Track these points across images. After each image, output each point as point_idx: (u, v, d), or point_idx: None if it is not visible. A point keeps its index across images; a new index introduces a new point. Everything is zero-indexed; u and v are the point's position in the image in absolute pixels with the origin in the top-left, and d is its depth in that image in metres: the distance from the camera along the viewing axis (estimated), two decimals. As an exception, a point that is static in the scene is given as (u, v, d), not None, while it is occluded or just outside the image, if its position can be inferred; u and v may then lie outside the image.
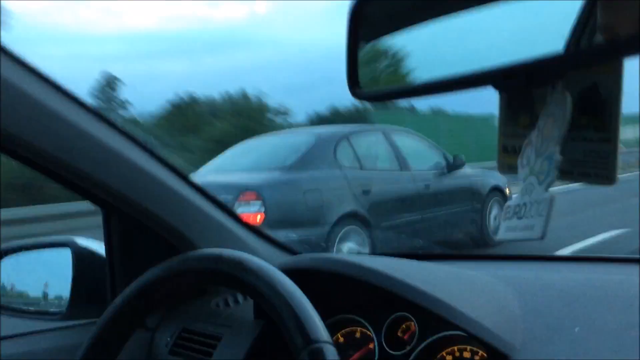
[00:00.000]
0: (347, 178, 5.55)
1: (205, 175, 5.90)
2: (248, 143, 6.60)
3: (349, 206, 5.36)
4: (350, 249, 5.29)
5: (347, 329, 1.26)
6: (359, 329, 1.24)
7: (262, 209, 4.89)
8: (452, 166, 6.63)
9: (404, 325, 1.18)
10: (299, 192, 5.17)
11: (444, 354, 1.11)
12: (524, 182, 0.79)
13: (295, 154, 5.59)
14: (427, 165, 6.58)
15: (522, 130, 0.80)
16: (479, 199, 6.86)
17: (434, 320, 1.07)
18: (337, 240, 5.19)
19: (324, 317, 0.94)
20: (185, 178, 1.38)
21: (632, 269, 1.34)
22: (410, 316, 1.17)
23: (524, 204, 0.78)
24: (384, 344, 1.17)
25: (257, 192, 4.94)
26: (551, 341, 0.98)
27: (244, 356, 1.18)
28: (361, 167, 5.85)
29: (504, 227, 0.82)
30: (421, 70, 0.79)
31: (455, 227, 6.60)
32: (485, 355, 1.02)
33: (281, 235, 4.82)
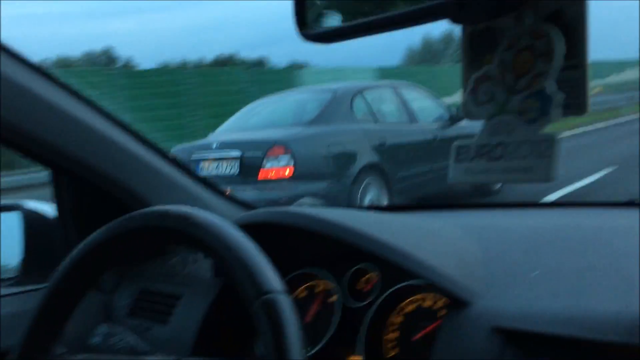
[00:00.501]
0: (364, 131, 5.78)
1: (226, 134, 6.05)
2: (260, 102, 6.75)
3: (367, 158, 5.60)
4: (371, 200, 5.55)
5: (309, 284, 1.25)
6: (321, 282, 1.24)
7: (292, 163, 5.10)
8: (455, 118, 6.90)
9: (366, 277, 1.19)
10: (323, 146, 5.39)
11: (406, 304, 1.11)
12: (489, 121, 0.75)
13: (314, 109, 5.78)
14: (432, 117, 6.83)
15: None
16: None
17: (395, 270, 1.06)
18: (360, 192, 5.44)
19: (285, 272, 0.97)
20: (135, 134, 1.31)
21: (590, 212, 1.40)
22: (371, 267, 1.17)
23: (499, 143, 0.74)
24: (345, 296, 1.17)
25: (285, 146, 5.14)
26: (510, 286, 0.98)
27: (203, 315, 1.17)
28: (375, 121, 6.08)
29: (461, 169, 0.78)
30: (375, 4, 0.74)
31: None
32: (446, 302, 1.01)
33: (308, 188, 5.05)
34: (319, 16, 0.77)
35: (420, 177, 6.21)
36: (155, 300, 1.29)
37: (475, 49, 0.75)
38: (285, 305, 0.75)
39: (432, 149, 6.44)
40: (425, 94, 7.16)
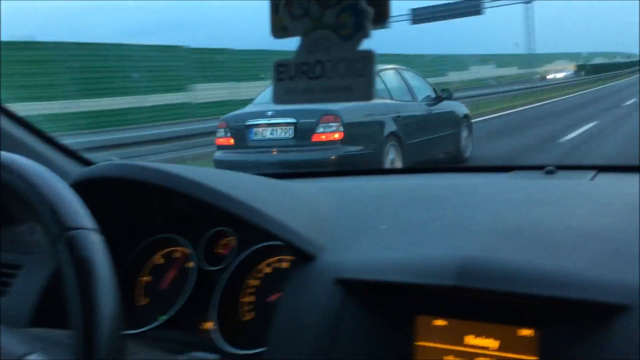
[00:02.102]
0: (386, 105, 6.98)
1: (269, 104, 6.99)
2: None
3: (391, 127, 6.81)
4: (392, 159, 6.77)
5: (166, 250, 1.22)
6: (179, 248, 1.21)
7: (341, 128, 6.21)
8: (440, 98, 8.24)
9: (224, 241, 1.17)
10: (361, 116, 6.54)
11: (263, 266, 1.11)
12: (307, 37, 0.73)
13: (347, 86, 6.90)
14: (422, 96, 8.14)
15: None
16: (456, 124, 8.58)
17: (252, 232, 1.04)
18: (385, 153, 6.64)
19: (141, 238, 0.99)
20: None
21: (444, 175, 1.53)
22: (229, 230, 1.16)
23: (318, 61, 0.72)
24: (201, 260, 1.16)
25: (336, 115, 6.23)
26: (356, 240, 1.00)
27: (44, 283, 1.11)
28: (391, 98, 7.29)
29: (283, 89, 0.75)
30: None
31: (445, 146, 8.30)
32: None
33: (352, 149, 6.18)
34: None
35: (421, 144, 7.50)
36: None
37: None
38: (95, 242, 0.66)
39: (428, 122, 7.75)
40: (416, 75, 8.46)
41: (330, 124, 6.22)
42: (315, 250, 0.97)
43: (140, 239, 1.22)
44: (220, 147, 6.82)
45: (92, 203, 0.74)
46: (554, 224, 0.96)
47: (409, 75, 8.13)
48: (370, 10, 0.67)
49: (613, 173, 1.32)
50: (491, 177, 1.44)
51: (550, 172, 1.30)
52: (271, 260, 1.11)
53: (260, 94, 7.53)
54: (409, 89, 7.80)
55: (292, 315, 0.92)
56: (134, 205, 1.17)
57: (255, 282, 1.11)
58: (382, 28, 0.69)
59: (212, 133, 7.88)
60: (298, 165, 6.15)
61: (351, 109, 6.49)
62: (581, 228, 0.94)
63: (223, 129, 6.76)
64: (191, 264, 1.18)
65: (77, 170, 1.24)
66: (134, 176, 1.04)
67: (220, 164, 6.78)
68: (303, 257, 0.97)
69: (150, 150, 9.66)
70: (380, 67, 7.64)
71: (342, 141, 6.21)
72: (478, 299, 0.85)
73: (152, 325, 1.13)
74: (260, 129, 6.49)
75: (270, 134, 6.44)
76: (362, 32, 0.68)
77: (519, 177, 1.34)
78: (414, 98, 7.77)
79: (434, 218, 1.03)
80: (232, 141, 6.68)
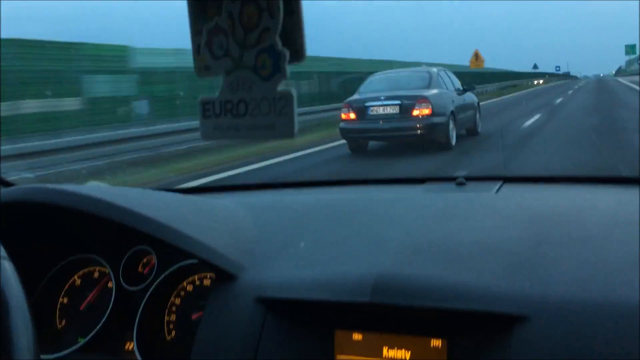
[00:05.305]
0: (447, 93, 10.76)
1: (371, 92, 10.55)
2: (378, 76, 11.42)
3: (451, 107, 10.55)
4: (452, 128, 10.48)
5: (85, 270, 1.23)
6: (97, 268, 1.22)
7: (430, 107, 9.92)
8: (465, 90, 12.04)
9: (144, 260, 1.20)
10: (439, 99, 10.27)
11: (185, 284, 1.14)
12: (228, 76, 0.75)
13: (424, 80, 10.66)
14: (456, 87, 11.93)
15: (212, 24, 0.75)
16: (474, 108, 12.42)
17: (172, 251, 1.06)
18: (449, 123, 10.36)
19: (60, 258, 1.04)
20: None
21: (367, 188, 1.65)
22: (150, 250, 1.19)
23: (241, 100, 0.75)
24: (122, 280, 1.17)
25: (427, 98, 9.94)
26: (277, 258, 1.05)
27: None
28: (447, 89, 11.07)
29: (209, 126, 0.77)
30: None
31: (469, 123, 12.10)
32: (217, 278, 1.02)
33: (435, 119, 9.91)
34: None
35: (461, 120, 11.25)
36: None
37: (198, 2, 0.75)
38: (4, 271, 0.67)
39: (462, 106, 11.49)
40: (451, 73, 12.29)
41: (424, 104, 9.93)
42: (235, 270, 1.01)
43: (59, 260, 1.24)
44: (344, 121, 10.37)
45: (6, 225, 0.79)
46: (462, 238, 1.05)
47: (450, 73, 12.01)
48: (286, 52, 0.71)
49: (517, 184, 1.42)
50: (406, 190, 1.55)
51: (461, 184, 1.39)
52: (193, 278, 1.16)
53: (362, 85, 11.19)
54: (452, 82, 11.65)
55: (214, 333, 0.96)
56: (53, 226, 1.18)
57: (177, 301, 1.15)
58: (298, 62, 0.73)
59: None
60: (401, 129, 9.80)
61: (435, 95, 10.25)
62: (485, 242, 1.02)
63: (347, 108, 10.31)
64: (111, 284, 1.20)
65: None
66: (55, 201, 1.04)
67: (346, 131, 10.33)
68: (224, 276, 1.01)
69: (58, 160, 8.95)
70: (435, 68, 11.47)
71: (431, 115, 9.94)
72: (393, 313, 0.91)
73: (72, 349, 1.14)
74: (375, 108, 10.11)
75: (382, 110, 10.06)
76: (280, 73, 0.72)
77: (431, 190, 1.43)
78: (454, 89, 11.61)
79: (351, 235, 1.11)
80: (352, 116, 10.24)
